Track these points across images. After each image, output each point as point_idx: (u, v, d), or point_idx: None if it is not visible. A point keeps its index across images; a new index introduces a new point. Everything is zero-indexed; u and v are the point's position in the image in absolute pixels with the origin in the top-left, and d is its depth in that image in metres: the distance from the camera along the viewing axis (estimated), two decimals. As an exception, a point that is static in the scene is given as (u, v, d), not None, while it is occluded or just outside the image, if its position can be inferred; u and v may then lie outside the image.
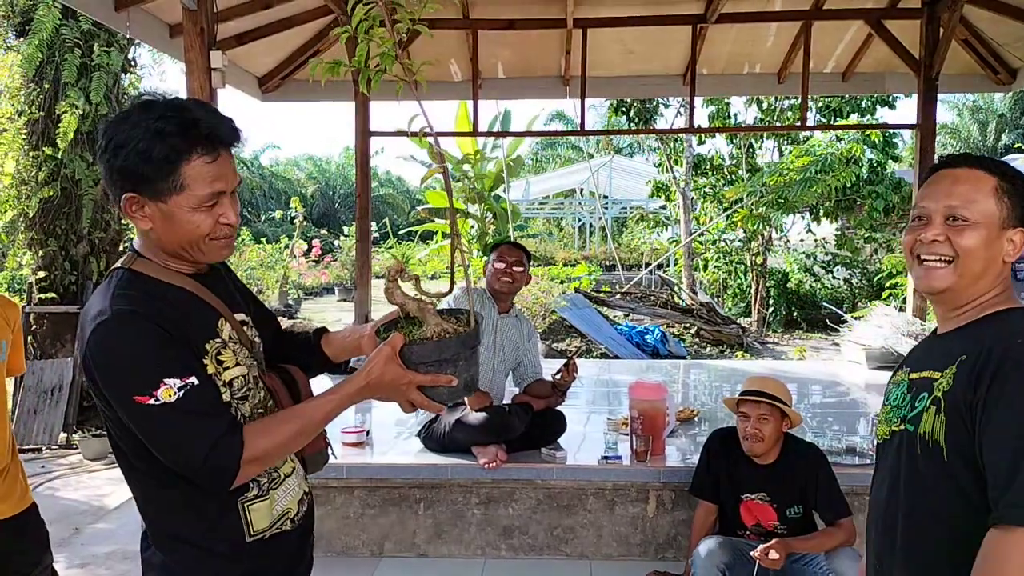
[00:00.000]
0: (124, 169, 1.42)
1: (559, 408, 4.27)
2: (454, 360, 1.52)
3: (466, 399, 3.84)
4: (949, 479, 1.44)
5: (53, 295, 7.14)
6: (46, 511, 2.75)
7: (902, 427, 1.56)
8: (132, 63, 7.69)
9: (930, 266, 1.55)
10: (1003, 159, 1.89)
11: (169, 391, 1.37)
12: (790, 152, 13.32)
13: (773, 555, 2.99)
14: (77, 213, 7.23)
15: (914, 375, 1.60)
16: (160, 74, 9.76)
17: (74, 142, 6.94)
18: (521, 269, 4.10)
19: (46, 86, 7.05)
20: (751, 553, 3.06)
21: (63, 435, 6.66)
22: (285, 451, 1.52)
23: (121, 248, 7.82)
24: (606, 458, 3.96)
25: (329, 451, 1.79)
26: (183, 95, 1.51)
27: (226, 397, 1.49)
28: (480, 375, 1.68)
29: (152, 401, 1.37)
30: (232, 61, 5.87)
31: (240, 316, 1.63)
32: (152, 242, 1.51)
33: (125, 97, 7.63)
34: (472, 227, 13.97)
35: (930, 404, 1.48)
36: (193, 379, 1.39)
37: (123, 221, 7.80)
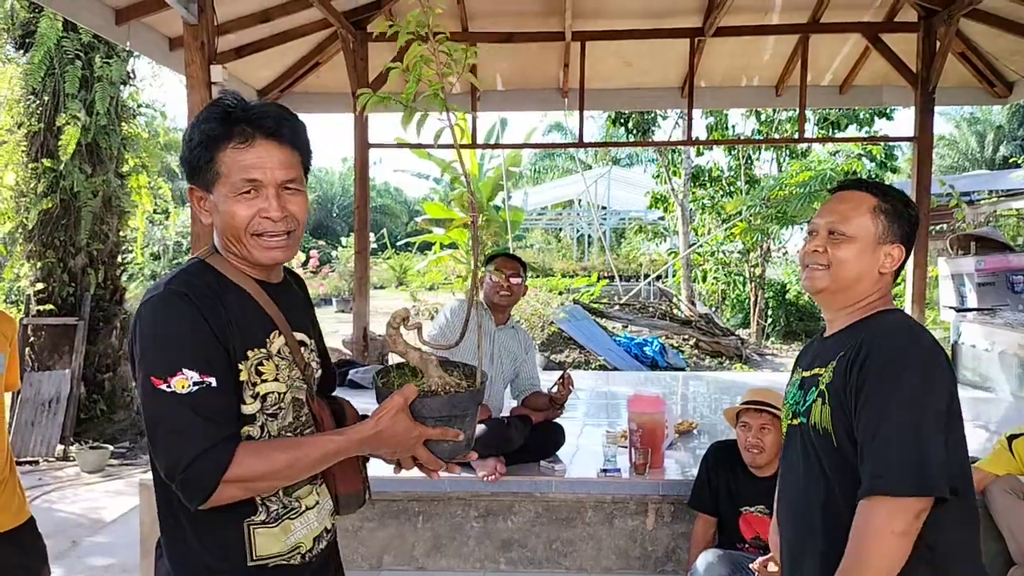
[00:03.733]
0: (181, 160, 1.49)
1: (558, 421, 4.26)
2: (462, 416, 1.49)
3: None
4: (842, 460, 1.65)
5: (51, 307, 7.13)
6: (43, 524, 2.74)
7: (798, 420, 1.79)
8: (132, 75, 7.72)
9: (812, 269, 1.81)
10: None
11: (183, 382, 1.34)
12: (789, 165, 13.35)
13: (772, 568, 2.97)
14: (76, 225, 7.24)
15: (806, 373, 1.83)
16: (159, 86, 9.79)
17: (73, 154, 6.95)
18: (519, 281, 4.10)
19: (46, 98, 7.07)
20: (750, 566, 3.04)
21: (60, 447, 6.64)
22: (272, 480, 1.42)
23: (119, 260, 7.84)
24: (605, 471, 3.95)
25: (366, 493, 1.68)
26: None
27: (252, 409, 1.45)
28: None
29: (164, 387, 1.34)
30: (231, 74, 5.89)
31: (300, 336, 1.58)
32: (218, 238, 1.52)
33: (124, 109, 7.65)
34: (469, 238, 13.98)
35: (817, 396, 1.72)
36: (212, 380, 1.36)
37: (121, 233, 7.81)
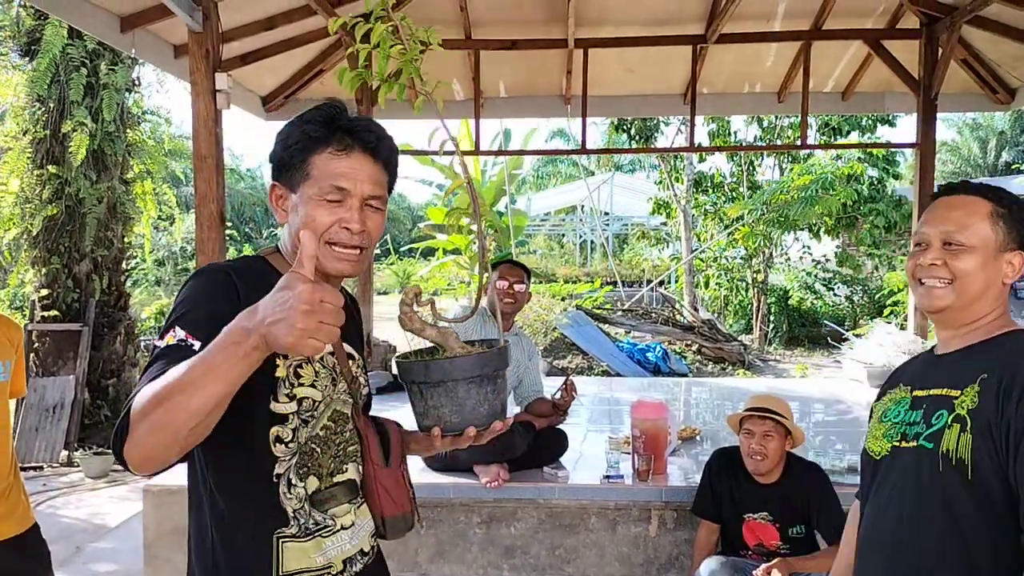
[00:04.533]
0: (271, 156, 1.49)
1: (561, 427, 4.27)
2: (494, 377, 1.44)
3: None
4: (973, 496, 1.47)
5: (56, 313, 7.16)
6: (47, 529, 2.76)
7: (915, 444, 1.58)
8: (136, 82, 7.76)
9: (930, 287, 1.62)
10: (1001, 179, 1.93)
11: (171, 338, 1.31)
12: (790, 170, 13.37)
13: (775, 575, 2.98)
14: (80, 231, 7.27)
15: (920, 392, 1.64)
16: (164, 92, 9.84)
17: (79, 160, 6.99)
18: (523, 288, 4.11)
19: (51, 105, 7.10)
20: (753, 573, 3.06)
21: (64, 453, 6.66)
22: (166, 404, 1.14)
23: (124, 266, 7.87)
24: (608, 477, 3.95)
25: (414, 517, 1.63)
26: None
27: (286, 409, 1.41)
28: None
29: (158, 342, 1.33)
30: (236, 81, 5.92)
31: (349, 348, 1.57)
32: (287, 239, 1.52)
33: (129, 116, 7.69)
34: (472, 243, 14.00)
35: (952, 422, 1.51)
36: (196, 343, 1.29)
37: (126, 240, 7.83)
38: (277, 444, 1.41)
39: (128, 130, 7.63)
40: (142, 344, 8.17)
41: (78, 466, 6.46)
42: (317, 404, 1.46)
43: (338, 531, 1.49)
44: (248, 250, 18.42)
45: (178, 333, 1.30)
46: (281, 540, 1.42)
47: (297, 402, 1.42)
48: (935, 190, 1.73)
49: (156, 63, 5.75)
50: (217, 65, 4.44)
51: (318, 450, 1.47)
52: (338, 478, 1.51)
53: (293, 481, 1.43)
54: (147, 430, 1.16)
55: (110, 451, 6.56)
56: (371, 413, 1.68)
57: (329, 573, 1.47)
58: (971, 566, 1.48)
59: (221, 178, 4.39)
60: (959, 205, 1.63)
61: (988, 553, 1.47)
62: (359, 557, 1.54)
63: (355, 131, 1.46)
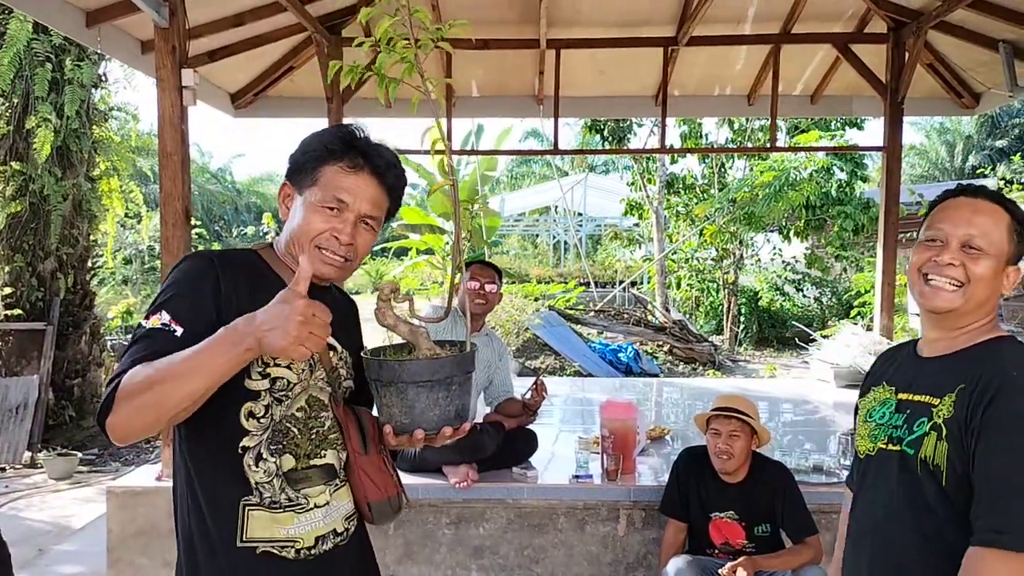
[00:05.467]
0: (290, 159, 1.60)
1: (531, 427, 4.27)
2: (447, 383, 1.45)
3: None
4: (948, 501, 1.54)
5: (19, 311, 7.04)
6: (9, 531, 2.71)
7: (898, 448, 1.64)
8: (103, 78, 7.65)
9: (938, 287, 1.63)
10: (968, 182, 1.94)
11: (156, 321, 1.40)
12: (756, 168, 13.50)
13: (741, 573, 3.01)
14: (45, 229, 7.16)
15: (903, 396, 1.68)
16: (134, 88, 9.72)
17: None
18: (494, 288, 4.11)
19: (15, 100, 6.98)
20: (719, 571, 3.08)
21: (28, 454, 6.56)
22: (154, 389, 1.29)
23: (89, 264, 7.75)
24: (577, 477, 3.96)
25: (402, 499, 1.69)
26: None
27: (258, 386, 1.48)
28: None
29: (143, 321, 1.42)
30: (204, 77, 5.85)
31: (332, 340, 1.60)
32: (284, 235, 1.60)
33: (96, 112, 7.58)
34: (446, 244, 13.97)
35: (930, 430, 1.57)
36: (178, 329, 1.39)
37: (92, 238, 7.71)
38: (249, 419, 1.48)
39: (94, 126, 7.52)
40: (108, 344, 8.06)
41: (41, 467, 6.36)
42: (292, 386, 1.53)
43: (311, 509, 1.55)
44: (216, 247, 18.22)
45: (163, 317, 1.41)
46: (247, 508, 1.49)
47: (270, 381, 1.49)
48: (954, 187, 1.72)
49: (122, 59, 5.67)
50: (183, 61, 4.39)
51: (295, 430, 1.54)
52: (315, 461, 1.57)
53: (264, 455, 1.50)
54: (134, 410, 1.31)
55: (74, 452, 6.47)
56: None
57: (294, 547, 1.53)
58: (943, 567, 1.53)
59: (186, 175, 4.34)
60: (984, 211, 1.63)
61: (960, 556, 1.50)
62: (331, 536, 1.59)
63: (368, 154, 1.57)
